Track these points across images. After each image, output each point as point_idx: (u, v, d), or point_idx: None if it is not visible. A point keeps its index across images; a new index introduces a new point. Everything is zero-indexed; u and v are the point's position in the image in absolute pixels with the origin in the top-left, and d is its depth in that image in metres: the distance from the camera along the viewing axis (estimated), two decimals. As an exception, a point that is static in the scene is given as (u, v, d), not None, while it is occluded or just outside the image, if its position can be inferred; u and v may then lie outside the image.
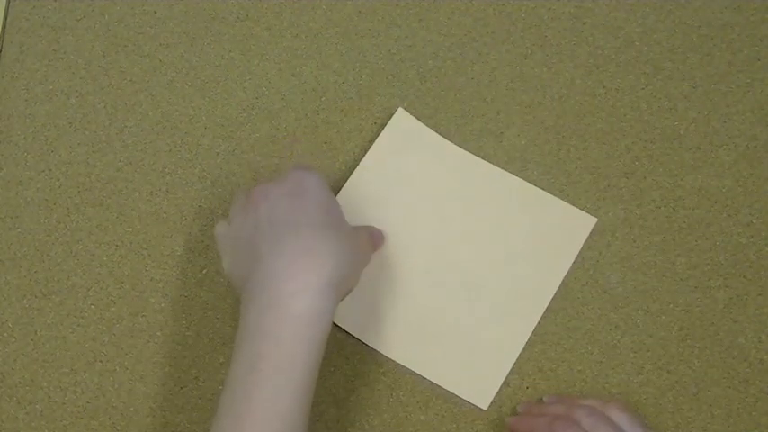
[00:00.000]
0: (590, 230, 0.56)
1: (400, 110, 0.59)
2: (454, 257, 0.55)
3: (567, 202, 0.57)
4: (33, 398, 0.53)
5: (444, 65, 0.62)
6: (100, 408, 0.53)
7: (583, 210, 0.57)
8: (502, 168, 0.58)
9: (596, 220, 0.56)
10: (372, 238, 0.53)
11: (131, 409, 0.53)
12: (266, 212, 0.46)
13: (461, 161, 0.58)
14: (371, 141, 0.59)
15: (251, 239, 0.46)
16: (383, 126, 0.60)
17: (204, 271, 0.56)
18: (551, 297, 0.54)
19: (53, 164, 0.60)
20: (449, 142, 0.58)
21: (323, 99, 0.61)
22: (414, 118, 0.59)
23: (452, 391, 0.52)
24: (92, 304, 0.56)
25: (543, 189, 0.57)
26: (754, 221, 0.56)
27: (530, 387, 0.53)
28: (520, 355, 0.54)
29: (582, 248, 0.56)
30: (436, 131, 0.59)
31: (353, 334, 0.53)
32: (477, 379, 0.53)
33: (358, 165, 0.57)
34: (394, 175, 0.57)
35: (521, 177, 0.58)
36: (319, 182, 0.49)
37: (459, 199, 0.57)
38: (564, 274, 0.55)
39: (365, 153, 0.58)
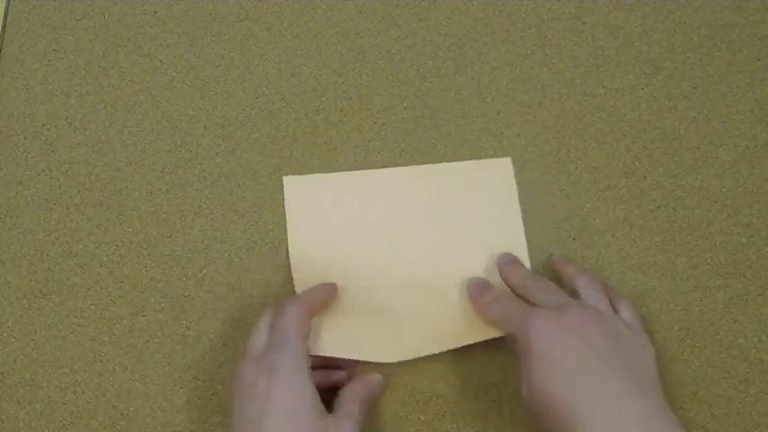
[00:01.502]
0: (511, 169, 0.57)
1: (286, 178, 0.58)
2: (417, 263, 0.55)
3: (567, 201, 0.57)
4: (33, 398, 0.53)
5: (444, 65, 0.62)
6: (100, 408, 0.53)
7: (583, 209, 0.57)
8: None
9: (509, 158, 0.58)
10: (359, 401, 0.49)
11: (131, 409, 0.53)
12: (237, 409, 0.45)
13: (367, 180, 0.58)
14: (371, 141, 0.59)
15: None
16: (383, 126, 0.60)
17: (204, 271, 0.56)
18: (525, 243, 0.56)
19: (53, 164, 0.60)
20: (343, 173, 0.58)
21: (323, 99, 0.61)
22: (300, 176, 0.58)
23: (481, 339, 0.52)
24: (92, 304, 0.56)
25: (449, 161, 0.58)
26: (754, 221, 0.56)
27: (530, 387, 0.53)
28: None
29: (582, 248, 0.56)
30: (434, 131, 0.60)
31: (368, 360, 0.52)
32: None
33: (287, 238, 0.57)
34: (321, 227, 0.57)
35: (520, 177, 0.58)
36: (291, 379, 0.45)
37: (388, 213, 0.57)
38: (520, 217, 0.56)
39: (365, 153, 0.58)
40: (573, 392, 0.44)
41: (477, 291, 0.53)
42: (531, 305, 0.49)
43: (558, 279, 0.54)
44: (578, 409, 0.43)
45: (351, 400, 0.48)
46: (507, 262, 0.55)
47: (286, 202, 0.57)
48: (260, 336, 0.49)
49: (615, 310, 0.50)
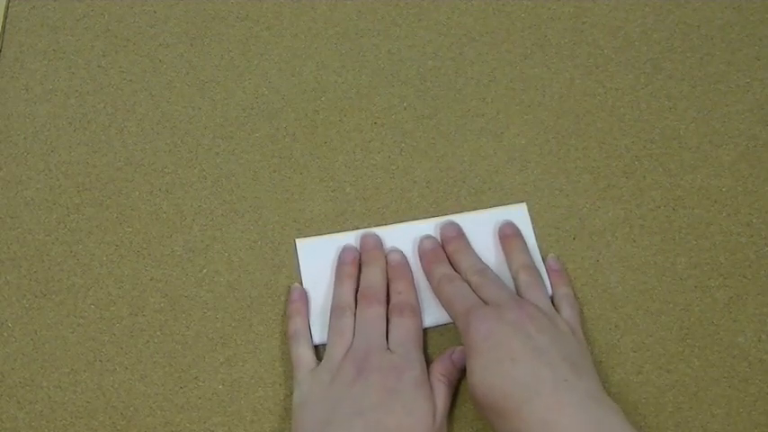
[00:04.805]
0: (528, 214, 0.56)
1: (299, 241, 0.56)
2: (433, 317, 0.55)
3: (567, 201, 0.57)
4: (33, 398, 0.53)
5: (444, 65, 0.62)
6: (100, 408, 0.53)
7: (583, 209, 0.57)
8: (502, 166, 0.58)
9: (524, 203, 0.57)
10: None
11: (131, 409, 0.53)
12: (357, 394, 0.47)
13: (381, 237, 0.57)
14: (371, 141, 0.59)
15: (327, 405, 0.47)
16: (383, 126, 0.60)
17: (204, 271, 0.56)
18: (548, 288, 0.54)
19: (53, 164, 0.60)
20: (356, 232, 0.57)
21: (323, 99, 0.61)
22: (313, 237, 0.57)
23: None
24: (92, 304, 0.56)
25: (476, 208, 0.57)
26: (754, 221, 0.56)
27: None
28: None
29: (582, 248, 0.56)
30: (434, 131, 0.60)
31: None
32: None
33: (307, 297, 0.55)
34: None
35: (520, 177, 0.58)
36: (417, 382, 0.48)
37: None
38: (541, 263, 0.55)
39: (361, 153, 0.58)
40: (509, 384, 0.45)
41: (432, 257, 0.54)
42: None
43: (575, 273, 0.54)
44: (515, 399, 0.44)
45: (442, 371, 0.51)
46: (453, 236, 0.55)
47: (300, 266, 0.56)
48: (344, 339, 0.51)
49: (556, 309, 0.52)
